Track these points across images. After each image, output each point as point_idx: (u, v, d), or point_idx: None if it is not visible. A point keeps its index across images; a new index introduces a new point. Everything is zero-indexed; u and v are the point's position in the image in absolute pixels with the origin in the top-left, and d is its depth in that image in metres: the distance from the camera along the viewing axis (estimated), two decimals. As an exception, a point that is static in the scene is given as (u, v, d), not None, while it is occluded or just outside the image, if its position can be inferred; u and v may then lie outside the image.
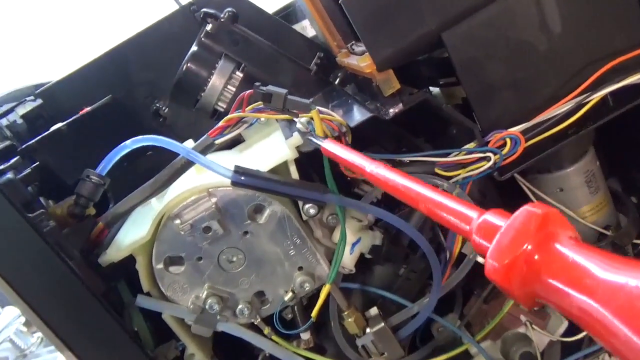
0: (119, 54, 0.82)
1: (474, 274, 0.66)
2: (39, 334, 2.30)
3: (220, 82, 0.75)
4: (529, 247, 0.27)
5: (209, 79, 0.75)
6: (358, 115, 0.65)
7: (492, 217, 0.31)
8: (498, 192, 0.83)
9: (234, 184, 0.58)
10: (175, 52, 0.78)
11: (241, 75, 0.76)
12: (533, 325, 0.79)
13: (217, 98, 0.75)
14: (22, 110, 0.78)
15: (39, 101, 0.80)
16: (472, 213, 0.33)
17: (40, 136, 0.67)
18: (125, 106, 0.83)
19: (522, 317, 0.80)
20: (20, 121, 0.78)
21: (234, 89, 0.75)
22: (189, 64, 0.74)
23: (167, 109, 0.82)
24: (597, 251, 0.26)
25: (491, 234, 0.29)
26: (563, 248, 0.27)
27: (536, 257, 0.27)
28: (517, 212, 0.29)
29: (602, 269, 0.24)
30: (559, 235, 0.27)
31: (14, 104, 0.79)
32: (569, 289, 0.25)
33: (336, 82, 0.82)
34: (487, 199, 0.84)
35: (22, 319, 2.23)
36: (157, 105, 0.83)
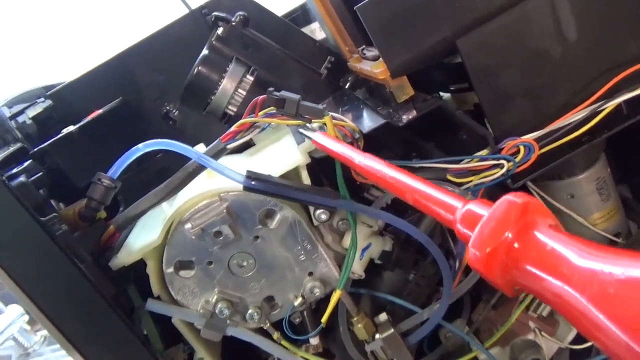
0: (129, 56, 0.83)
1: (482, 280, 0.66)
2: (42, 333, 2.30)
3: (231, 85, 0.74)
4: (509, 235, 0.28)
5: (219, 83, 0.75)
6: (371, 121, 0.64)
7: (475, 207, 0.32)
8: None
9: (246, 188, 0.58)
10: (185, 55, 0.78)
11: (252, 78, 0.76)
12: (542, 333, 0.79)
13: (227, 101, 0.75)
14: (32, 111, 0.78)
15: (50, 103, 0.80)
16: (456, 203, 0.34)
17: (52, 139, 0.67)
18: (135, 109, 0.83)
19: (531, 324, 0.80)
20: (30, 122, 0.78)
21: (244, 93, 0.75)
22: (200, 68, 0.74)
23: (177, 111, 0.82)
24: (575, 239, 0.26)
25: (474, 223, 0.30)
26: (541, 236, 0.27)
27: (516, 245, 0.28)
28: (498, 202, 0.30)
29: (579, 256, 0.25)
30: (538, 223, 0.28)
31: (24, 105, 0.80)
32: (546, 275, 0.26)
33: (346, 87, 0.82)
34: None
35: (26, 318, 2.23)
36: (168, 108, 0.83)
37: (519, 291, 0.29)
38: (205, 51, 0.75)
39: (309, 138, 0.58)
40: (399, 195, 0.41)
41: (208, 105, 0.76)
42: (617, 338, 0.22)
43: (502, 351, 0.80)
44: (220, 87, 0.74)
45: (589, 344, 0.77)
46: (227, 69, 0.75)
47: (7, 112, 0.79)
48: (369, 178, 0.46)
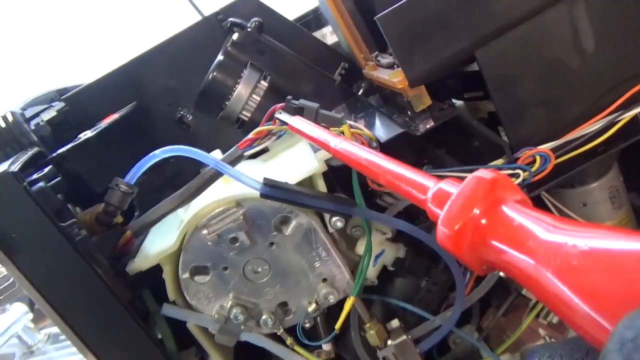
0: (144, 61, 0.83)
1: (492, 286, 0.67)
2: (47, 331, 2.30)
3: (245, 91, 0.75)
4: (477, 212, 0.28)
5: (234, 88, 0.75)
6: (387, 129, 0.65)
7: (446, 186, 0.31)
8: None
9: (263, 196, 0.58)
10: (199, 60, 0.79)
11: (266, 84, 0.76)
12: (552, 339, 0.79)
13: (242, 107, 0.75)
14: (47, 115, 0.78)
15: (64, 106, 0.80)
16: (428, 182, 0.33)
17: (71, 145, 0.67)
18: (149, 113, 0.83)
19: (541, 331, 0.80)
20: (44, 125, 0.78)
21: (258, 99, 0.76)
22: (215, 73, 0.74)
23: (191, 116, 0.83)
24: (544, 213, 0.26)
25: (444, 201, 0.30)
26: (509, 211, 0.27)
27: (483, 221, 0.27)
28: (467, 179, 0.30)
29: (545, 230, 0.25)
30: (506, 199, 0.28)
31: (39, 108, 0.80)
32: (512, 250, 0.26)
33: (360, 93, 0.82)
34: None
35: (30, 316, 2.23)
36: (182, 112, 0.83)
37: (487, 270, 0.29)
38: (220, 57, 0.75)
39: (286, 123, 0.58)
40: (373, 177, 0.40)
41: (222, 111, 0.76)
42: (580, 310, 0.21)
43: (511, 358, 0.80)
44: (235, 92, 0.75)
45: (598, 351, 0.77)
46: (242, 74, 0.75)
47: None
48: (345, 162, 0.45)
